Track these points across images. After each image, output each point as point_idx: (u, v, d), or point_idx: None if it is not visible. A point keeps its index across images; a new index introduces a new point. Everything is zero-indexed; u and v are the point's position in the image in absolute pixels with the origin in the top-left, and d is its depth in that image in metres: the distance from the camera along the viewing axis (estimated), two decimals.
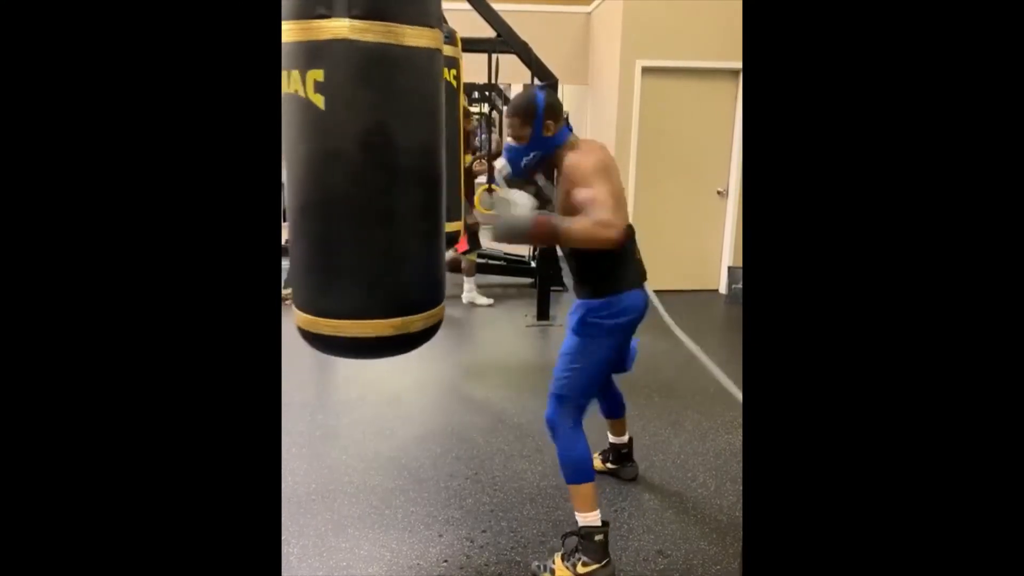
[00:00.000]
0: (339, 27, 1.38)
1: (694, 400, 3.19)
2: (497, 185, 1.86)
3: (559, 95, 4.22)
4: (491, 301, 5.00)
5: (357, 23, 1.38)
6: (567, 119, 1.89)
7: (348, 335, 1.54)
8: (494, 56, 4.13)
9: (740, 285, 5.27)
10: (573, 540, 1.92)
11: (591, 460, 1.90)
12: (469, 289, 5.01)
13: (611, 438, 2.45)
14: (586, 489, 1.87)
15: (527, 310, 4.70)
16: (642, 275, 1.93)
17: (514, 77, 5.31)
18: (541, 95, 1.80)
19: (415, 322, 1.61)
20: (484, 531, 2.12)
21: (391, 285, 1.56)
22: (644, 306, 1.91)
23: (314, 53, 1.39)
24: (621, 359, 2.04)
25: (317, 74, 1.39)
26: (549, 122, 1.80)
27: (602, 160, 1.77)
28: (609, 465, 2.47)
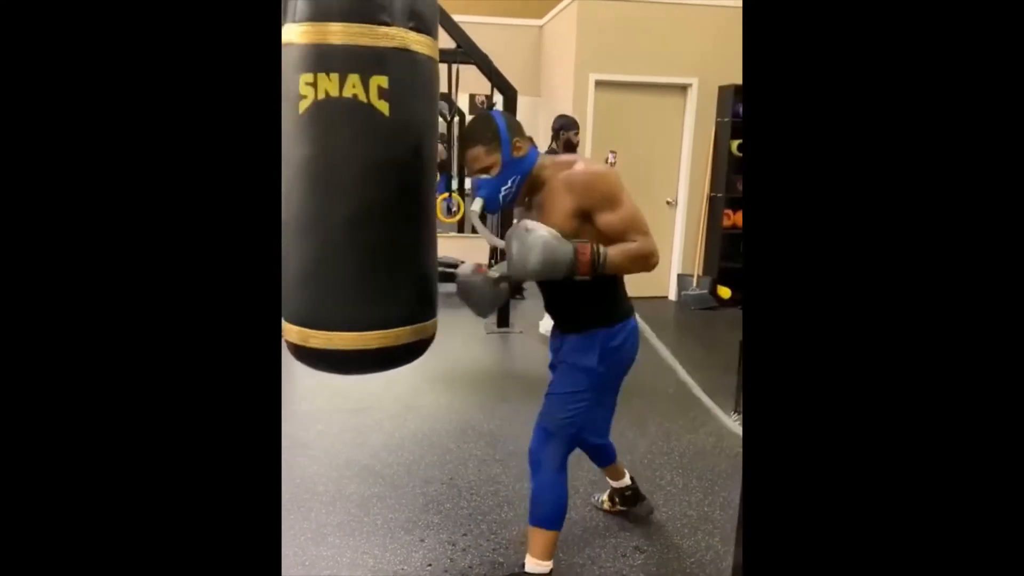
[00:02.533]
0: (403, 36, 1.39)
1: (654, 403, 3.30)
2: (475, 227, 1.64)
3: (516, 106, 4.30)
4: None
5: (413, 35, 1.41)
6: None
7: (403, 343, 1.58)
8: (454, 67, 4.17)
9: (689, 291, 5.47)
10: None
11: (565, 509, 1.75)
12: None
13: (612, 483, 2.24)
14: (549, 536, 1.74)
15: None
16: (630, 304, 1.77)
17: (472, 88, 5.37)
18: (498, 114, 1.59)
19: (433, 326, 1.74)
20: (465, 534, 2.15)
21: (429, 291, 1.67)
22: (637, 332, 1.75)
23: (378, 59, 1.39)
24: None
25: (381, 80, 1.39)
26: (516, 141, 1.56)
27: (616, 175, 1.58)
28: (619, 507, 2.26)
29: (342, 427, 2.94)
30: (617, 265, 1.50)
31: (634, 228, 1.52)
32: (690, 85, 5.28)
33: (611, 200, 1.52)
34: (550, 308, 1.76)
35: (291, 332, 1.52)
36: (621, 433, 2.93)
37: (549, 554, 1.75)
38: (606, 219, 1.51)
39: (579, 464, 2.61)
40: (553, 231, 1.46)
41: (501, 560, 2.02)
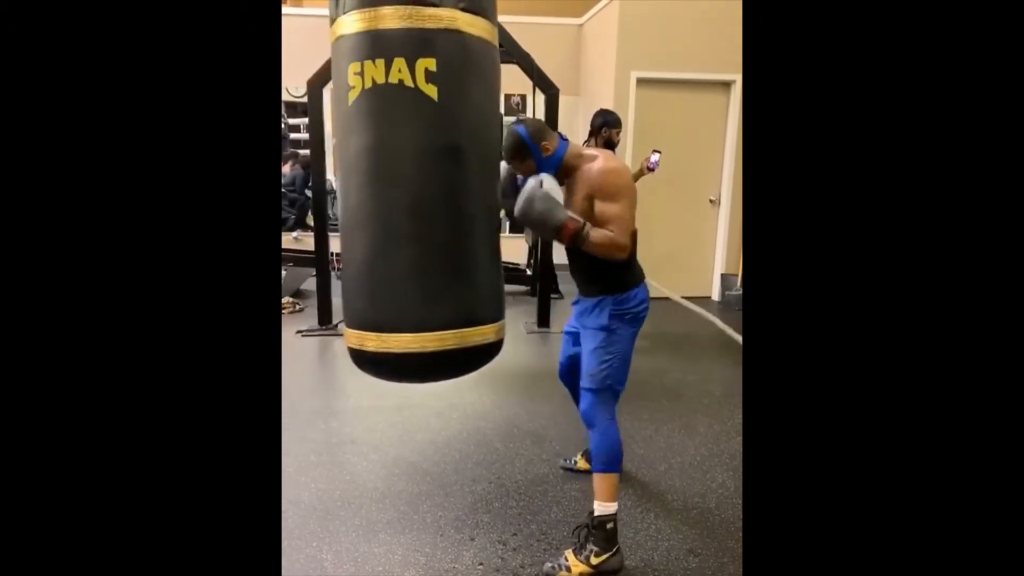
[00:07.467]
0: (453, 17, 1.35)
1: (702, 404, 3.24)
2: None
3: (558, 105, 4.28)
4: None
5: (465, 16, 1.36)
6: (558, 132, 1.98)
7: (471, 345, 1.52)
8: None
9: (733, 292, 5.37)
10: (582, 532, 1.99)
11: (621, 452, 2.01)
12: None
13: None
14: (613, 479, 1.98)
15: (525, 317, 4.72)
16: (643, 273, 2.10)
17: (513, 87, 5.36)
18: (521, 128, 1.88)
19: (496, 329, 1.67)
20: (515, 534, 2.14)
21: (492, 288, 1.59)
22: (647, 299, 2.08)
23: (424, 41, 1.33)
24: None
25: (428, 63, 1.34)
26: (543, 144, 1.89)
27: (629, 179, 1.90)
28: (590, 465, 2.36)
29: (388, 424, 2.96)
30: (595, 244, 1.81)
31: (617, 222, 1.83)
32: (733, 82, 5.19)
33: (611, 196, 1.84)
34: (574, 275, 2.07)
35: (350, 337, 1.49)
36: (669, 435, 2.89)
37: (615, 494, 1.98)
38: (601, 207, 1.85)
39: (625, 482, 2.58)
40: (557, 200, 1.78)
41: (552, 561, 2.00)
